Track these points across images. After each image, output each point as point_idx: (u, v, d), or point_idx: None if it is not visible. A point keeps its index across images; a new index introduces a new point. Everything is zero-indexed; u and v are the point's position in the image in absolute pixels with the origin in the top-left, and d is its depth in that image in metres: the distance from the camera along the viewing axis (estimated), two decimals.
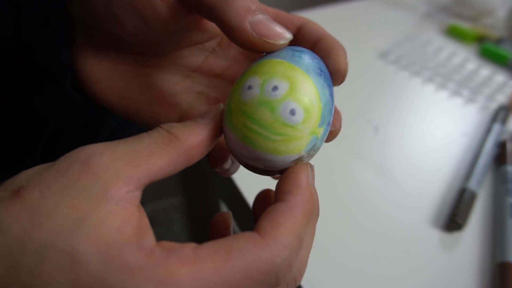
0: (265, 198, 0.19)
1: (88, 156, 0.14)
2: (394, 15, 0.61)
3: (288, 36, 0.17)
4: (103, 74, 0.21)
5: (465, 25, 0.57)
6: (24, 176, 0.14)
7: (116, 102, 0.21)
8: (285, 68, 0.16)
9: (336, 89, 0.18)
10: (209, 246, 0.13)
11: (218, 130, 0.17)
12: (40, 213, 0.13)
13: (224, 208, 0.47)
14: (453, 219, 0.33)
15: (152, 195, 1.03)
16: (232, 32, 0.17)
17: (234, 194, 0.36)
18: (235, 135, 0.16)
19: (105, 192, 0.13)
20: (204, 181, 0.61)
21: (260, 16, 0.17)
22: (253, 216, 0.20)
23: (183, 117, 0.21)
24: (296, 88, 0.16)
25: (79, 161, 0.14)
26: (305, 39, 0.19)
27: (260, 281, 0.13)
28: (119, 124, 0.31)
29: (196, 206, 0.71)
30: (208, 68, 0.22)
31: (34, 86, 0.24)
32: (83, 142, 0.16)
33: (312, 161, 0.18)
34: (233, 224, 0.19)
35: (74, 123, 0.29)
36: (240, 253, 0.13)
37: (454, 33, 0.56)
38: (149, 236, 0.14)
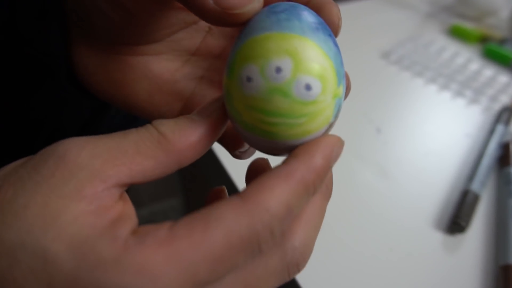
0: (257, 167, 0.18)
1: (65, 151, 0.13)
2: (396, 15, 0.61)
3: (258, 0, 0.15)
4: (99, 66, 0.20)
5: (468, 25, 0.57)
6: (1, 174, 0.14)
7: (114, 94, 0.21)
8: (278, 41, 0.14)
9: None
10: (186, 221, 0.13)
11: (219, 126, 0.16)
12: (10, 213, 0.12)
13: None
14: (455, 221, 0.33)
15: (151, 197, 1.03)
16: (199, 14, 0.15)
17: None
18: (253, 134, 0.15)
19: (79, 191, 0.13)
20: (203, 182, 0.61)
21: None
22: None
23: (186, 106, 0.20)
24: (300, 59, 0.14)
25: (55, 156, 0.13)
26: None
27: (243, 249, 0.12)
28: (119, 124, 0.31)
29: (195, 208, 0.71)
30: (206, 49, 0.21)
31: (31, 83, 0.24)
32: None
33: None
34: None
35: (72, 124, 0.28)
36: (218, 221, 0.12)
37: (457, 33, 0.57)
38: (124, 226, 0.13)
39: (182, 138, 0.14)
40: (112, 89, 0.20)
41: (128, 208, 0.14)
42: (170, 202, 1.08)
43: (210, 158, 0.39)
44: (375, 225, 0.33)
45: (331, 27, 0.16)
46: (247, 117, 0.14)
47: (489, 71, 0.51)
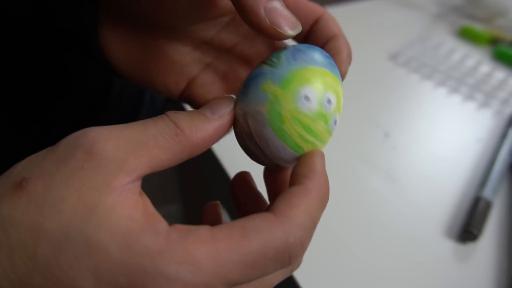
0: (243, 180, 0.21)
1: (91, 143, 0.15)
2: (404, 15, 0.61)
3: (299, 29, 0.18)
4: (119, 44, 0.22)
5: (478, 27, 0.57)
6: (22, 166, 0.15)
7: (130, 71, 0.23)
8: (332, 80, 0.18)
9: (343, 92, 0.20)
10: (225, 226, 0.14)
11: (228, 126, 0.17)
12: (48, 206, 0.14)
13: (225, 215, 0.47)
14: (467, 229, 0.33)
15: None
16: (245, 13, 0.17)
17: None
18: (284, 142, 0.17)
19: (108, 184, 0.14)
20: (203, 188, 0.61)
21: (275, 3, 0.17)
22: (233, 200, 0.21)
23: (189, 85, 0.23)
24: (339, 100, 0.18)
25: (82, 149, 0.14)
26: (319, 35, 0.21)
27: (275, 259, 0.14)
28: (118, 117, 0.33)
29: (194, 214, 0.71)
30: (219, 41, 0.23)
31: (55, 55, 0.26)
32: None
33: None
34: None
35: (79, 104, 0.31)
36: (256, 231, 0.14)
37: (467, 35, 0.57)
38: (161, 221, 0.14)
39: (198, 134, 0.16)
40: (129, 66, 0.22)
41: (150, 206, 0.15)
42: (168, 209, 1.08)
43: (213, 163, 0.39)
44: (383, 234, 0.33)
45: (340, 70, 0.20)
46: (288, 126, 0.17)
47: (500, 73, 0.51)
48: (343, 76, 0.20)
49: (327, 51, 0.20)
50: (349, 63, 0.20)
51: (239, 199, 0.21)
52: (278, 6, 0.17)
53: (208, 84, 0.23)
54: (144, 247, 0.13)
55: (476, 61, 0.52)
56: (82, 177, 0.14)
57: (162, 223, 0.14)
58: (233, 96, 0.19)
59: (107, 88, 0.33)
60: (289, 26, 0.18)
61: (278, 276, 0.17)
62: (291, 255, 0.15)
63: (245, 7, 0.17)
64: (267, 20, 0.17)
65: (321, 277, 0.30)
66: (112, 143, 0.15)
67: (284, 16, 0.17)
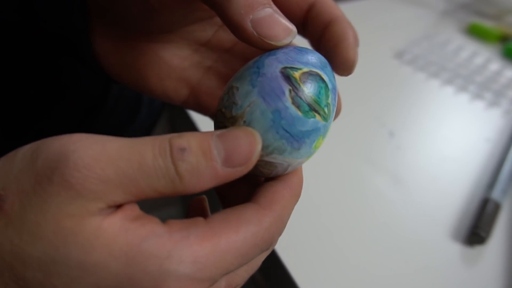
0: (199, 205, 0.21)
1: (71, 171, 0.14)
2: (410, 12, 0.61)
3: (294, 34, 0.17)
4: (112, 50, 0.22)
5: (487, 24, 0.57)
6: None
7: (125, 77, 0.23)
8: None
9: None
10: (220, 219, 0.15)
11: (236, 177, 0.16)
12: (25, 230, 0.13)
13: None
14: (475, 231, 0.32)
15: (149, 206, 1.04)
16: (232, 28, 0.17)
17: None
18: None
19: (86, 209, 0.14)
20: (203, 192, 0.61)
21: (266, 11, 0.16)
22: (217, 194, 0.21)
23: (193, 93, 0.23)
24: None
25: (59, 175, 0.14)
26: (317, 21, 0.19)
27: (261, 247, 0.16)
28: (116, 122, 0.33)
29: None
30: (217, 42, 0.23)
31: (46, 60, 0.26)
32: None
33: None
34: None
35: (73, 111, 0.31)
36: (249, 224, 0.15)
37: (475, 32, 0.56)
38: (155, 222, 0.15)
39: (197, 186, 0.15)
40: (124, 72, 0.22)
41: (136, 209, 0.15)
42: (169, 212, 1.08)
43: None
44: (388, 236, 0.33)
45: (345, 64, 0.19)
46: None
47: (509, 71, 0.50)
48: (353, 64, 0.19)
49: (329, 38, 0.19)
50: (357, 46, 0.19)
51: (223, 192, 0.21)
52: (266, 14, 0.16)
53: (214, 89, 0.23)
54: (150, 254, 0.14)
55: (485, 58, 0.52)
56: (59, 203, 0.13)
57: (157, 225, 0.15)
58: (259, 138, 0.16)
59: (104, 92, 0.33)
60: (281, 35, 0.16)
61: (263, 257, 0.19)
62: (272, 242, 0.17)
63: (231, 22, 0.16)
64: (255, 33, 0.16)
65: (323, 279, 0.30)
66: (96, 173, 0.14)
67: (273, 25, 0.16)
